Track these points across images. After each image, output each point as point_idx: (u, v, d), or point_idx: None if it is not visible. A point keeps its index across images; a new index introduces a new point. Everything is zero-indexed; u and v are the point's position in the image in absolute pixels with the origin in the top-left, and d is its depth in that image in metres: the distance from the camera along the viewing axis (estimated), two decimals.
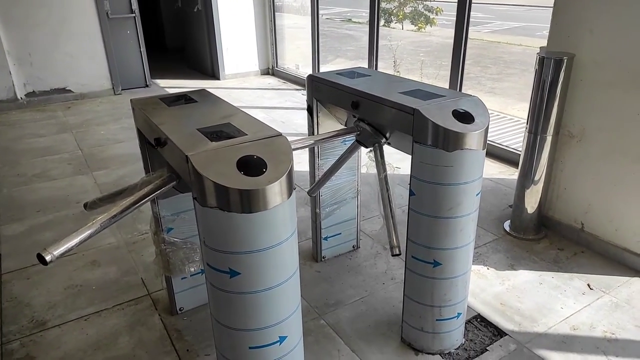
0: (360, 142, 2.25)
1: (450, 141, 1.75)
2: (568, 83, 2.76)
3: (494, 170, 4.05)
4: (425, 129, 1.77)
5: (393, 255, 2.04)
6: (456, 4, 4.19)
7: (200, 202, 1.39)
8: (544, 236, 3.06)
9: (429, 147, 1.79)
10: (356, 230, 2.94)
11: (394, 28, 13.65)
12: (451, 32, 4.33)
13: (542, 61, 2.69)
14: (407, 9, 12.62)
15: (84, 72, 6.56)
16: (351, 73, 2.40)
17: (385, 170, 2.16)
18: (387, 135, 2.18)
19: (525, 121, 2.89)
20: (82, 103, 6.43)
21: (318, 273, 2.76)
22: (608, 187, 2.76)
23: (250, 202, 1.35)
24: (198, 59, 8.02)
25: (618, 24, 2.53)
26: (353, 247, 2.98)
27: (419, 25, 12.43)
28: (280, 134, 1.55)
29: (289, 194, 1.43)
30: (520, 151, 3.00)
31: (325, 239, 2.84)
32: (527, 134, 2.88)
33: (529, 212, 3.01)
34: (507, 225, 3.16)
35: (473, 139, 1.77)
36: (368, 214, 3.39)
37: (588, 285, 2.59)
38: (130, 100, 2.05)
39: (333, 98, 2.31)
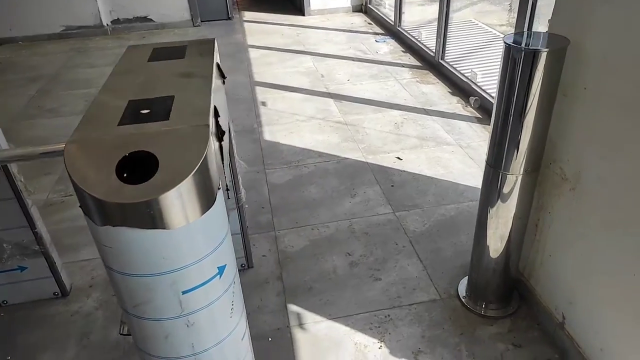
0: None
1: (96, 211, 1.03)
2: (555, 92, 1.59)
3: None
4: (74, 182, 1.07)
5: (121, 334, 1.44)
6: None
7: None
8: (510, 314, 2.02)
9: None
10: (243, 247, 2.29)
11: None
12: None
13: (508, 53, 1.56)
14: None
15: (165, 2, 6.48)
16: (175, 50, 1.67)
17: None
18: None
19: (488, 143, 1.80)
20: (158, 34, 6.42)
21: None
22: (600, 278, 1.62)
23: None
24: None
25: None
26: (242, 266, 2.35)
27: None
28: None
29: None
30: None
31: None
32: (485, 164, 1.81)
33: (488, 265, 1.98)
34: (463, 283, 2.17)
35: (141, 212, 1.01)
36: (261, 229, 2.65)
37: None
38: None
39: None
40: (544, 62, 1.50)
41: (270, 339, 1.98)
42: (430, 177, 2.98)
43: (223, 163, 1.34)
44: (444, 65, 4.46)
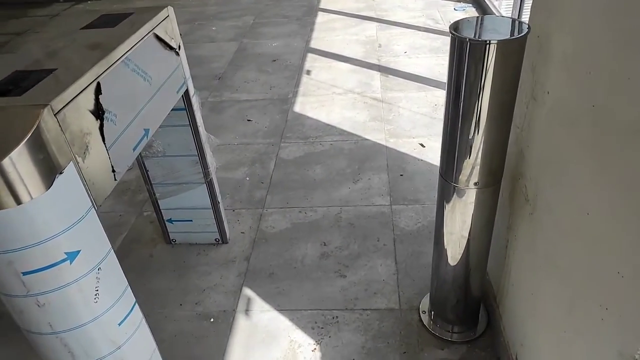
0: None
1: None
2: (514, 94, 1.28)
3: None
4: None
5: None
6: None
7: None
8: (469, 340, 1.78)
9: None
10: (215, 222, 2.27)
11: None
12: None
13: (453, 43, 1.28)
14: None
15: None
16: (116, 18, 1.62)
17: None
18: None
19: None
20: None
21: (150, 258, 2.30)
22: (543, 324, 1.33)
23: None
24: None
25: None
26: (216, 240, 2.34)
27: None
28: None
29: None
30: None
31: (170, 221, 2.29)
32: (439, 174, 1.55)
33: (446, 281, 1.75)
34: (428, 297, 1.94)
35: None
36: (251, 205, 2.58)
37: None
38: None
39: None
40: (494, 56, 1.21)
41: (212, 320, 1.96)
42: None
43: (105, 143, 1.29)
44: None
